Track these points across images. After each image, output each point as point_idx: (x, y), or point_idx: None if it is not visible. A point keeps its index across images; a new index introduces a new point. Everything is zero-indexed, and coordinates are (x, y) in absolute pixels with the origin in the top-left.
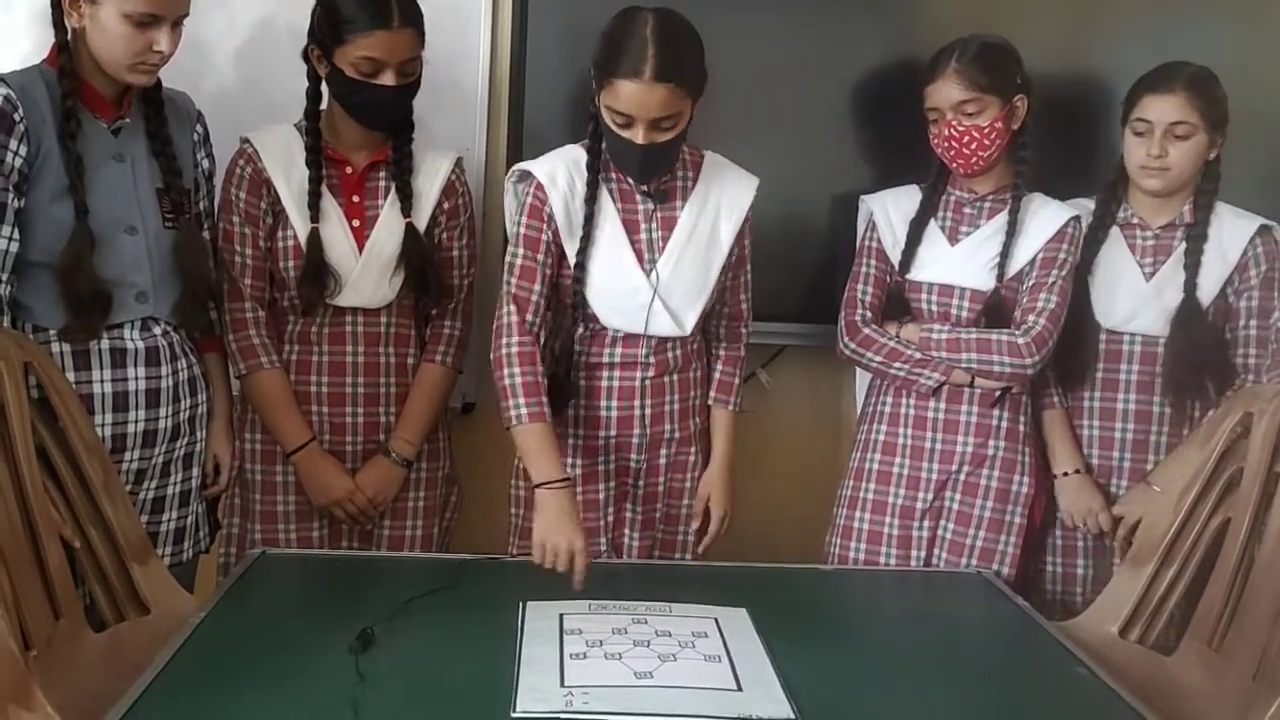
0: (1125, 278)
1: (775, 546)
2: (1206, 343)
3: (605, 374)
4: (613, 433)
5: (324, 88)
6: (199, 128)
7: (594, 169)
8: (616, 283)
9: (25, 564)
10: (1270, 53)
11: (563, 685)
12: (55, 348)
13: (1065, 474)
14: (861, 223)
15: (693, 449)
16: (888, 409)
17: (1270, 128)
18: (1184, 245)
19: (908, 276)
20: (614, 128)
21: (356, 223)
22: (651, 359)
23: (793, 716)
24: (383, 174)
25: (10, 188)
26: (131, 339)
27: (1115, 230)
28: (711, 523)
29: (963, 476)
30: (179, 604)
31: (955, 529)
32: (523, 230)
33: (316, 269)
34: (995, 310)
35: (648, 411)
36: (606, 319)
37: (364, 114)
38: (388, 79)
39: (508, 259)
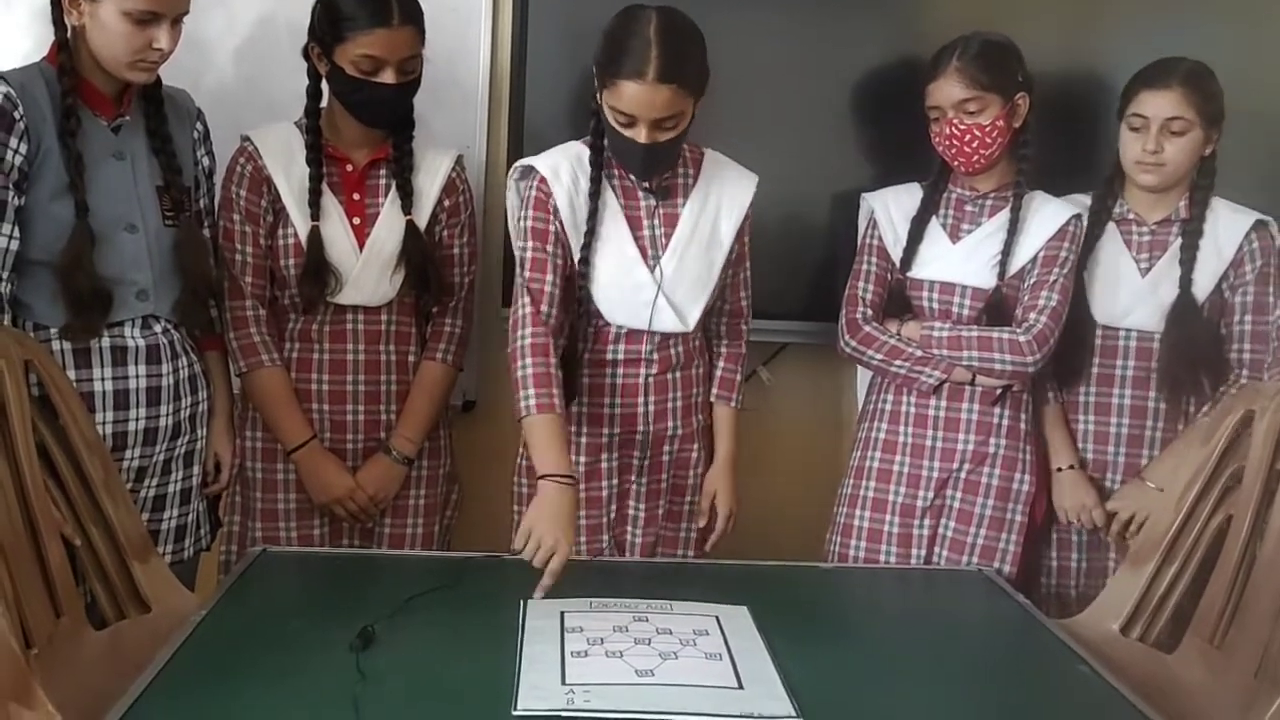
0: (1121, 273)
1: (777, 544)
2: (1202, 338)
3: (609, 371)
4: (616, 430)
5: (324, 85)
6: (199, 125)
7: (597, 165)
8: (621, 278)
9: (26, 562)
10: (1270, 52)
11: (564, 683)
12: (56, 346)
13: (1060, 469)
14: (862, 220)
15: (695, 446)
16: (888, 407)
17: (1270, 127)
18: (1180, 241)
19: (909, 274)
20: (616, 126)
21: (357, 220)
22: (655, 355)
23: (794, 714)
24: (383, 172)
25: (10, 185)
26: (132, 337)
27: (1111, 226)
28: (718, 520)
29: (964, 474)
30: (180, 602)
31: (956, 527)
32: (530, 223)
33: (317, 267)
34: (996, 308)
35: (651, 408)
36: (610, 315)
37: (364, 112)
38: (388, 77)
39: (517, 254)
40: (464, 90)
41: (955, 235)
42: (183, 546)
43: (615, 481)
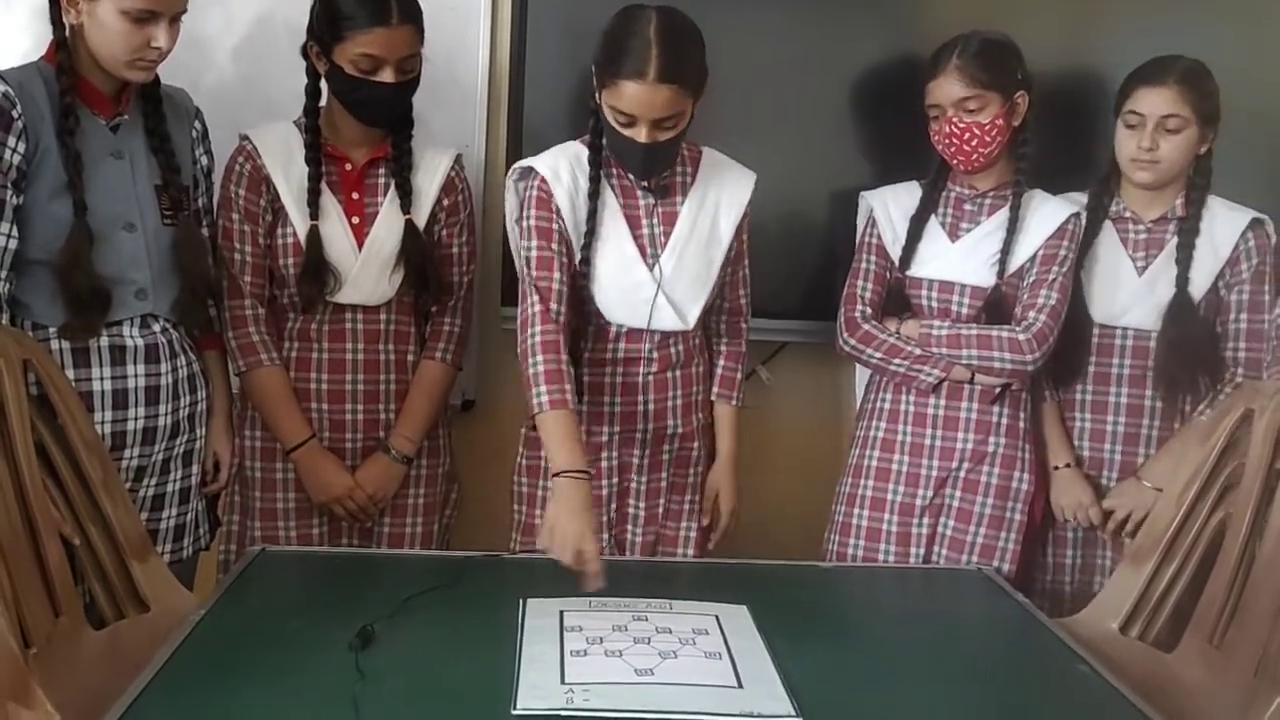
0: (1118, 272)
1: (777, 543)
2: (1198, 337)
3: (608, 369)
4: (616, 428)
5: (323, 84)
6: (197, 124)
7: (596, 165)
8: (621, 277)
9: (25, 562)
10: (1269, 52)
11: (563, 682)
12: (54, 345)
13: (1057, 468)
14: (861, 219)
15: (696, 444)
16: (887, 405)
17: (1269, 127)
18: (1176, 239)
19: (908, 273)
20: (616, 126)
21: (356, 220)
22: (655, 354)
23: (793, 714)
24: (382, 171)
25: (9, 185)
26: (131, 336)
27: (1108, 224)
28: (721, 518)
29: (963, 473)
30: (179, 601)
31: (956, 526)
32: (533, 222)
33: (316, 266)
34: (996, 307)
35: (651, 407)
36: (610, 314)
37: (363, 111)
38: (387, 76)
39: (521, 254)
40: (463, 89)
41: (954, 234)
42: (182, 546)
43: (615, 480)
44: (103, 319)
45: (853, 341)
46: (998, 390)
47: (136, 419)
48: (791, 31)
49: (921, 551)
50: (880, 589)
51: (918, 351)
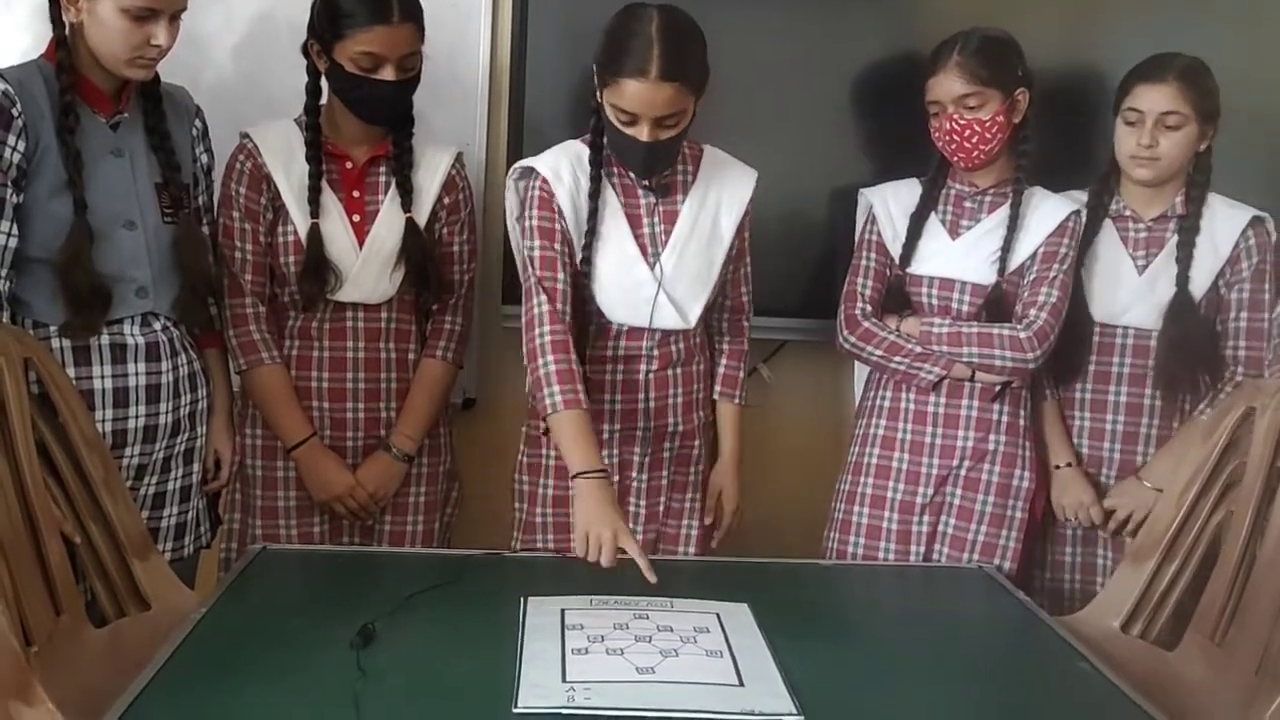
0: (1119, 271)
1: (778, 541)
2: (1199, 336)
3: (609, 367)
4: (616, 426)
5: (324, 82)
6: (198, 122)
7: (597, 164)
8: (622, 276)
9: (26, 560)
10: (1269, 52)
11: (564, 681)
12: (55, 343)
13: (1057, 467)
14: (861, 216)
15: (697, 442)
16: (887, 403)
17: (1269, 126)
18: (1176, 238)
19: (908, 270)
20: (618, 125)
21: (357, 218)
22: (655, 352)
23: (794, 712)
24: (383, 169)
25: (9, 183)
26: (131, 334)
27: (1108, 223)
28: (724, 516)
29: (963, 471)
30: (180, 599)
31: (957, 524)
32: (535, 222)
33: (317, 264)
34: (996, 304)
35: (651, 405)
36: (611, 313)
37: (364, 109)
38: (387, 74)
39: (524, 254)
40: (464, 87)
41: (954, 231)
42: (183, 544)
43: (616, 478)
44: (103, 317)
45: (853, 339)
46: (998, 388)
47: (137, 417)
48: (792, 29)
49: (922, 550)
50: (881, 587)
51: (918, 349)
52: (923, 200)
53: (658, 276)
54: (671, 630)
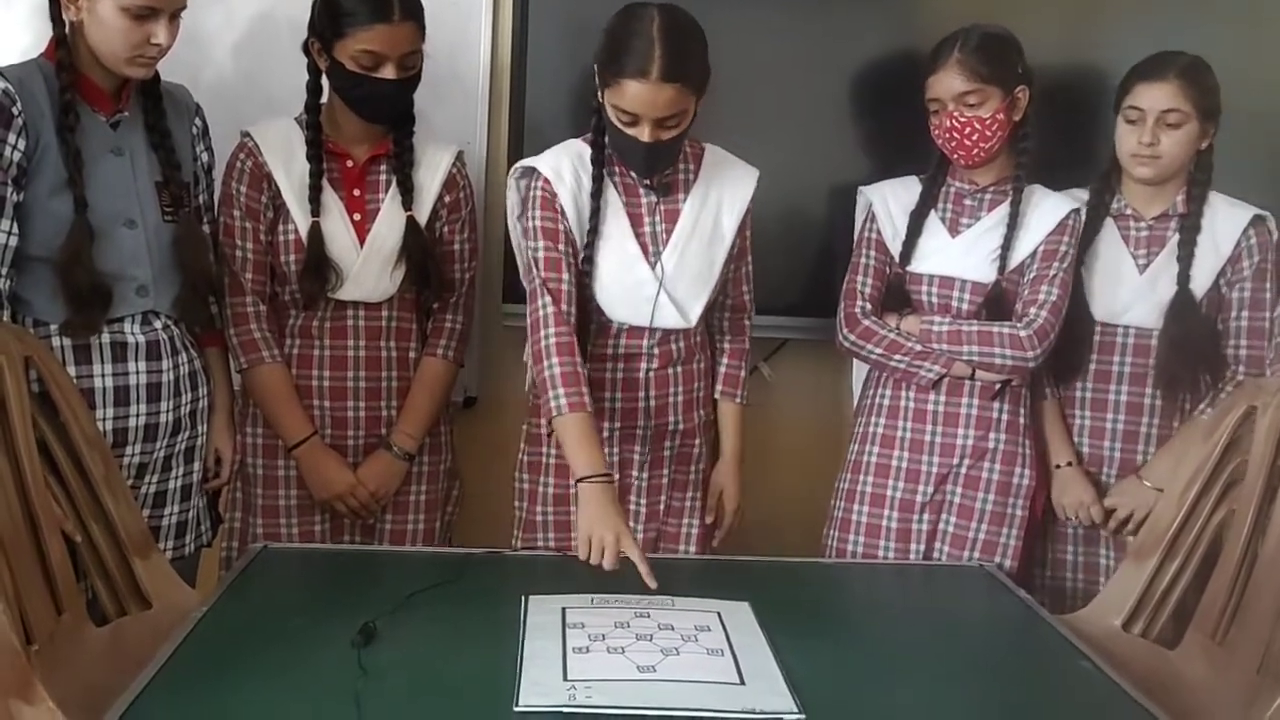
0: (1119, 270)
1: (779, 540)
2: (1200, 335)
3: (609, 365)
4: (617, 425)
5: (324, 81)
6: (198, 121)
7: (598, 163)
8: (623, 275)
9: (27, 558)
10: (1270, 51)
11: (565, 679)
12: (56, 342)
13: (1058, 466)
14: (860, 214)
15: (697, 441)
16: (886, 402)
17: (1269, 126)
18: (1177, 236)
19: (908, 268)
20: (619, 124)
21: (357, 216)
22: (656, 351)
23: (796, 710)
24: (383, 167)
25: (9, 182)
26: (132, 333)
27: (1109, 221)
28: (725, 515)
29: (963, 470)
30: (181, 598)
31: (957, 522)
32: (539, 223)
33: (317, 263)
34: (996, 302)
35: (652, 404)
36: (612, 311)
37: (364, 107)
38: (388, 72)
39: (527, 254)
40: (464, 86)
41: (954, 229)
42: (184, 543)
43: (617, 476)
44: (104, 316)
45: (852, 337)
46: (998, 386)
47: (138, 416)
48: (792, 28)
49: (922, 548)
50: (882, 585)
51: (918, 347)
52: (922, 198)
53: (659, 275)
54: (672, 629)
